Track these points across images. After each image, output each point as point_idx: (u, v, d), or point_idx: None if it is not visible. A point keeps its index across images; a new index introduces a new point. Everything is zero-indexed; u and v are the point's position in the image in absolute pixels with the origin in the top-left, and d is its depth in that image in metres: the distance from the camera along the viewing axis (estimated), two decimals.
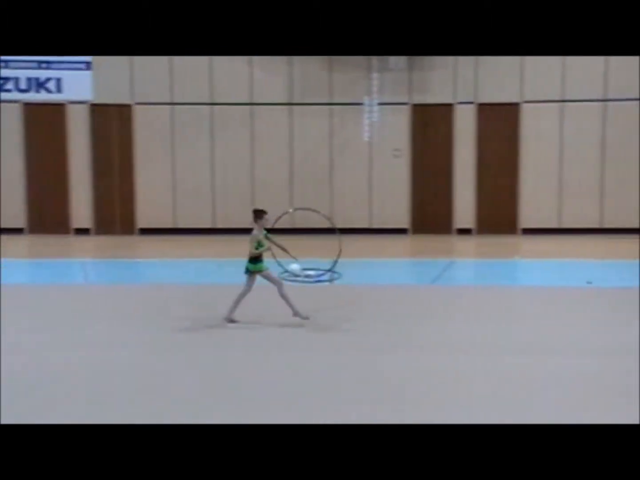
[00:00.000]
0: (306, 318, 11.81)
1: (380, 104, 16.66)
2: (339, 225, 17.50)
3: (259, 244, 11.54)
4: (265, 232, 11.55)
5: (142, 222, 17.71)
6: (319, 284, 14.35)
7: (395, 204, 17.36)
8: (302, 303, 13.12)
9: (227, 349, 10.90)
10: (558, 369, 10.28)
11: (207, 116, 17.39)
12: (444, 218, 17.32)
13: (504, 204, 17.07)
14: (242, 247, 16.69)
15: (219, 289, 13.82)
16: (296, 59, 16.78)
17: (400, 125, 17.13)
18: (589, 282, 13.80)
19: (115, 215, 17.86)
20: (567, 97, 16.50)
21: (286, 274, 14.52)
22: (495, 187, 17.08)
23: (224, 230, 17.49)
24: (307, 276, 14.53)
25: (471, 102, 16.90)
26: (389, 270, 15.23)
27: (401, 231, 17.38)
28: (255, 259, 11.60)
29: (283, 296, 11.84)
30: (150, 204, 17.60)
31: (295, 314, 11.92)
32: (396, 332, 11.75)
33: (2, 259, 14.99)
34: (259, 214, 11.75)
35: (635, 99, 16.34)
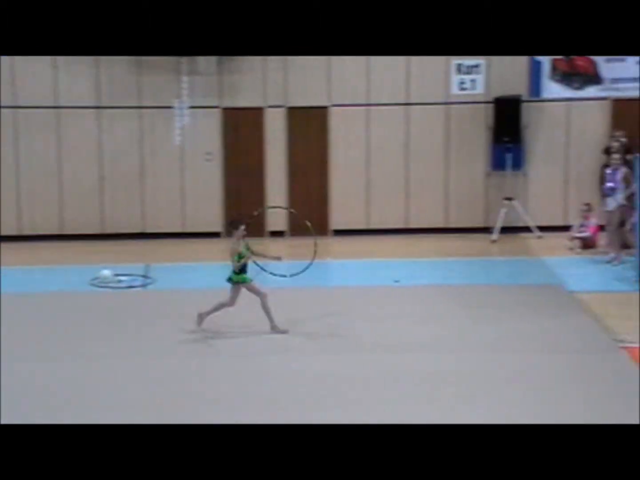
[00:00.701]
0: (285, 332, 11.50)
1: (191, 107, 16.58)
2: (151, 230, 17.32)
3: (239, 256, 11.29)
4: (245, 242, 11.43)
5: None
6: (131, 289, 14.17)
7: (208, 208, 17.35)
8: (109, 310, 12.91)
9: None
10: (372, 366, 10.58)
11: (10, 120, 16.80)
12: (257, 220, 17.42)
13: (316, 206, 17.37)
14: (48, 253, 16.25)
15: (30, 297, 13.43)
16: (103, 61, 16.45)
17: (211, 128, 17.11)
18: (396, 281, 14.27)
19: None
20: (373, 101, 16.96)
21: (96, 281, 14.27)
22: (306, 189, 17.35)
23: (31, 237, 16.95)
24: (119, 282, 14.33)
25: (281, 106, 17.10)
26: (203, 274, 15.20)
27: (214, 235, 17.38)
28: (239, 270, 11.36)
29: (265, 308, 11.46)
30: None
31: (273, 328, 11.47)
32: (208, 334, 11.76)
33: None
34: (234, 225, 11.46)
35: (435, 103, 16.96)
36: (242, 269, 11.44)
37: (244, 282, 11.48)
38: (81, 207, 17.06)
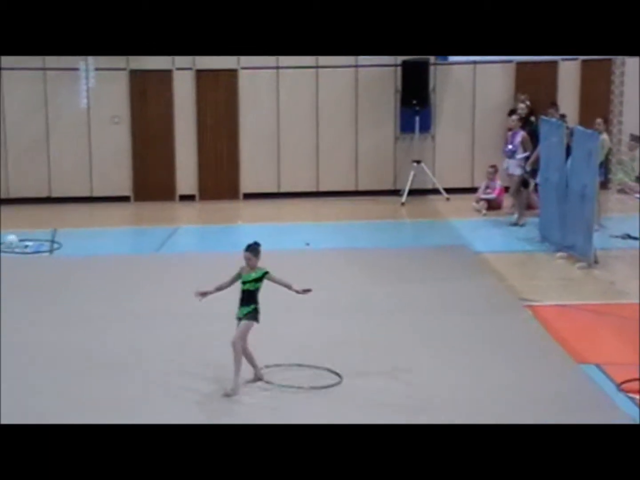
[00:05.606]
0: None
1: (97, 69, 16.32)
2: (57, 195, 17.05)
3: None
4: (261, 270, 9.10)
5: None
6: (37, 254, 14.01)
7: (117, 172, 17.17)
8: (17, 274, 12.74)
9: None
10: (279, 329, 10.63)
11: None
12: (167, 185, 17.37)
13: (225, 169, 17.35)
14: None
15: None
16: None
17: (118, 91, 16.89)
18: (307, 244, 14.40)
19: None
20: (282, 64, 16.91)
21: (1, 246, 14.05)
22: (216, 153, 17.30)
23: None
24: (26, 247, 14.15)
25: (190, 69, 16.96)
26: (111, 240, 15.08)
27: (124, 199, 17.25)
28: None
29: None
30: None
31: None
32: (116, 302, 11.68)
33: None
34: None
35: (344, 66, 16.99)
36: (243, 301, 9.15)
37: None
38: None
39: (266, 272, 9.06)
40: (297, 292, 9.08)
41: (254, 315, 9.01)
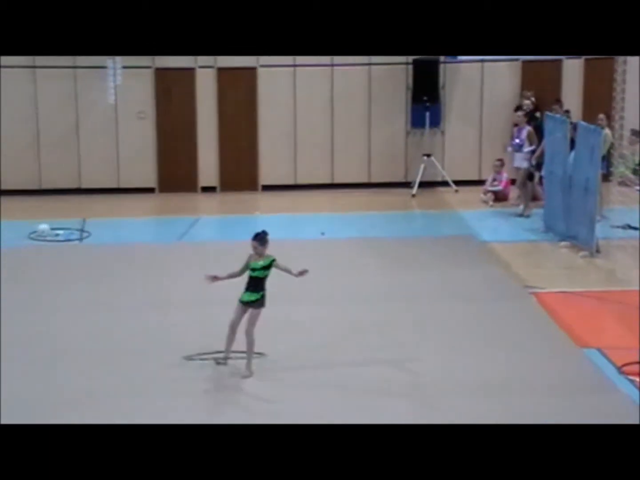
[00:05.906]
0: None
1: (124, 67, 16.92)
2: (86, 186, 17.71)
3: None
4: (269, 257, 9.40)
5: None
6: (68, 242, 14.61)
7: (142, 165, 17.74)
8: (49, 263, 13.36)
9: None
10: (296, 316, 11.00)
11: None
12: (189, 177, 17.94)
13: (245, 162, 17.90)
14: None
15: None
16: None
17: (144, 88, 17.48)
18: (322, 234, 14.95)
19: None
20: (299, 62, 17.49)
21: (34, 234, 14.73)
22: (236, 147, 17.86)
23: None
24: (57, 235, 14.80)
25: (211, 67, 17.58)
26: (137, 229, 15.66)
27: (149, 190, 17.84)
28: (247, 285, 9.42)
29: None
30: None
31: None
32: (140, 289, 12.10)
33: None
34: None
35: (358, 64, 17.46)
36: (251, 287, 9.42)
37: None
38: (18, 164, 17.34)
39: (274, 260, 9.33)
40: (296, 275, 9.35)
41: (262, 302, 9.31)
